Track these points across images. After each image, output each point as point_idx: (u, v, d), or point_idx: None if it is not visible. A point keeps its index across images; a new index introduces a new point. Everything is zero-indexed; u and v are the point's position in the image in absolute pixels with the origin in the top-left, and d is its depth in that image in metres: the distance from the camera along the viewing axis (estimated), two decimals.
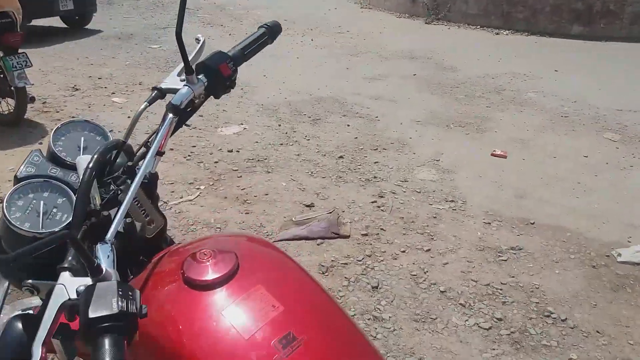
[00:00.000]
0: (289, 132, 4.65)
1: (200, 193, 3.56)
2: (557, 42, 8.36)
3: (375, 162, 4.07)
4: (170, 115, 0.96)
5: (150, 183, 0.95)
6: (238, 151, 4.21)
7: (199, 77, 1.02)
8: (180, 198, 3.47)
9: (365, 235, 3.08)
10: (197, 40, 1.15)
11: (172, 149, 4.15)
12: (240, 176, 3.81)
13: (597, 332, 2.37)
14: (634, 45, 8.06)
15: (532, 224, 3.26)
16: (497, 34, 8.83)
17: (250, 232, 3.09)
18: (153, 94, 1.00)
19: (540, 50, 7.87)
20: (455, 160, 4.15)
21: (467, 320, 2.42)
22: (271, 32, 1.19)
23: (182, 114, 0.98)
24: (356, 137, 4.56)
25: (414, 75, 6.49)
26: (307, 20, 9.92)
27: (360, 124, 4.87)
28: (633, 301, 2.58)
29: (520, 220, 3.30)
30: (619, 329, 2.40)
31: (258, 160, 4.07)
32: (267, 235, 3.07)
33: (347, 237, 3.06)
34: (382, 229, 3.16)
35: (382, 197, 3.54)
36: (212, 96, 1.06)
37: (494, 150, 4.28)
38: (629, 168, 4.06)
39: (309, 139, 4.50)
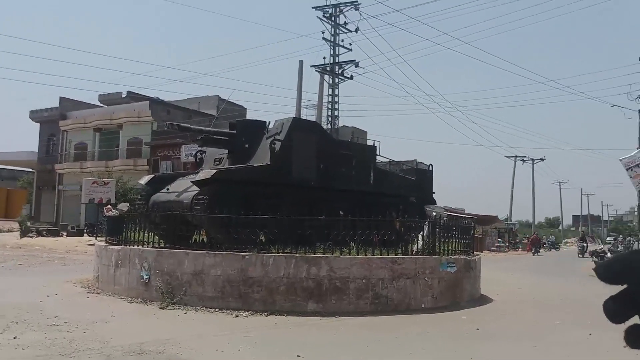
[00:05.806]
0: None
1: None
2: (295, 321, 8.36)
3: None
4: None
5: None
6: None
7: None
8: None
9: None
10: None
11: None
12: None
13: None
14: (361, 318, 8.55)
15: None
16: (237, 316, 8.48)
17: None
18: None
19: (280, 333, 7.66)
20: None
21: None
22: None
23: None
24: None
25: None
26: (15, 310, 8.18)
27: None
28: None
29: None
30: None
31: None
32: None
33: None
34: None
35: None
36: None
37: None
38: None
39: None
